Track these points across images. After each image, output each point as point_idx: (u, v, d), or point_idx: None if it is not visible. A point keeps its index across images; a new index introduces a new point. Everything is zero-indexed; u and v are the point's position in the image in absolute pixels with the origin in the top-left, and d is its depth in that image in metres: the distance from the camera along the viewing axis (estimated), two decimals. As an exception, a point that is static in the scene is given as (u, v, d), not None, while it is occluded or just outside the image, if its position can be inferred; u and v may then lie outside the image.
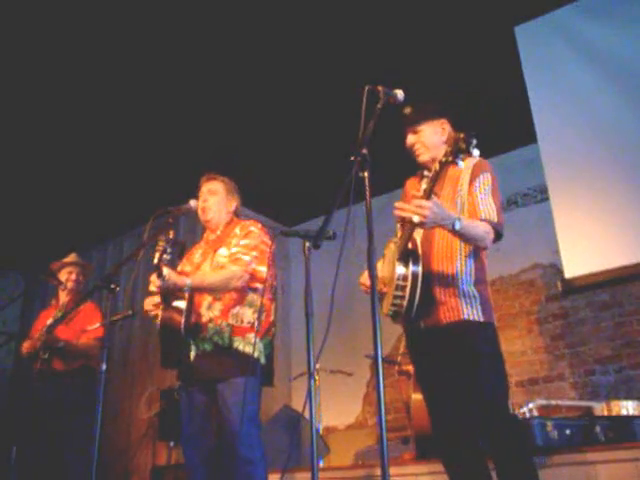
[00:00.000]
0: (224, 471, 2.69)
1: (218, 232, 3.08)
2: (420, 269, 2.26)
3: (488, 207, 2.35)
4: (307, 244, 2.30)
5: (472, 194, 2.40)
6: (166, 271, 2.61)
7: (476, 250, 2.39)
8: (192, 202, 3.04)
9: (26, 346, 4.09)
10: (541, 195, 5.08)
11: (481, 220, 2.32)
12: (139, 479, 5.36)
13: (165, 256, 2.60)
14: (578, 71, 4.02)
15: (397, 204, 2.16)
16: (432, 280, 2.35)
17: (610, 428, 3.01)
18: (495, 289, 5.32)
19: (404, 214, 2.13)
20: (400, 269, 2.26)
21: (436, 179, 2.18)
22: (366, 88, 2.08)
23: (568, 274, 4.01)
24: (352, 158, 1.97)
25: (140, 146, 5.30)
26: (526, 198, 5.33)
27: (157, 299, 2.80)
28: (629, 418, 3.09)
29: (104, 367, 2.62)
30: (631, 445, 2.75)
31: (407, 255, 2.28)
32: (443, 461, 2.39)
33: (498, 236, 2.36)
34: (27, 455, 3.92)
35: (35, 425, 3.97)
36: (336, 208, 1.94)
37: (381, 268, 2.49)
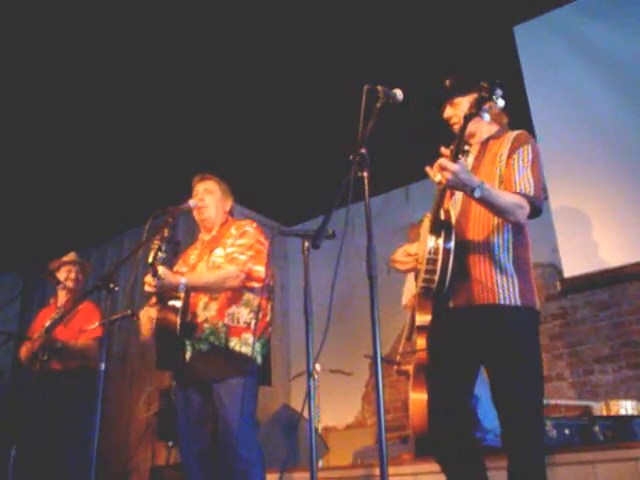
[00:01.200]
0: (221, 471, 2.69)
1: (213, 232, 3.08)
2: (453, 241, 2.13)
3: (525, 180, 2.22)
4: (306, 244, 2.30)
5: (510, 167, 2.28)
6: (161, 270, 2.60)
7: (515, 224, 2.24)
8: (191, 202, 3.05)
9: (23, 352, 4.08)
10: (540, 194, 5.08)
11: (515, 193, 2.19)
12: (138, 479, 5.36)
13: (160, 254, 2.59)
14: (577, 70, 4.02)
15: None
16: (466, 254, 2.21)
17: (609, 428, 3.01)
18: (494, 289, 5.32)
19: (430, 174, 2.08)
20: (431, 242, 2.12)
21: (462, 136, 2.11)
22: (365, 88, 2.06)
23: (567, 273, 4.01)
24: (351, 158, 1.96)
25: (139, 146, 5.29)
26: (525, 197, 5.32)
27: (153, 312, 2.80)
28: (628, 418, 3.08)
29: (103, 367, 2.62)
30: (630, 445, 2.74)
31: (439, 227, 2.16)
32: (438, 458, 2.25)
33: (537, 211, 2.23)
34: (26, 455, 3.91)
35: (34, 425, 3.96)
36: (335, 208, 1.93)
37: (417, 247, 2.37)
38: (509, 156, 2.31)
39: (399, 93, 2.13)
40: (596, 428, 2.99)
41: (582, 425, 3.04)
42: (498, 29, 4.20)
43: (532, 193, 2.21)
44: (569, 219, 3.97)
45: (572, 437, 2.97)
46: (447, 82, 2.49)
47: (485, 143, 2.44)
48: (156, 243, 2.59)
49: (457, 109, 2.46)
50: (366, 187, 1.94)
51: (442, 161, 2.03)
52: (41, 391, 3.93)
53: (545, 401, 3.94)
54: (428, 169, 2.16)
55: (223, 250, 2.92)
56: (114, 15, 3.94)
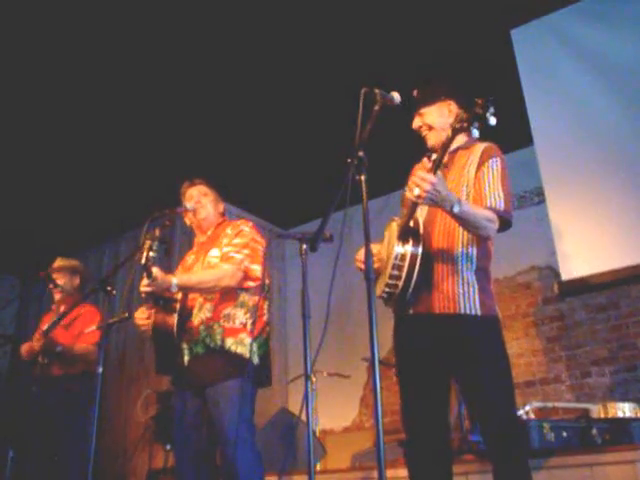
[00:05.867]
0: (216, 475, 2.67)
1: (209, 233, 3.08)
2: (420, 249, 2.14)
3: (495, 194, 2.22)
4: (304, 246, 2.29)
5: (479, 180, 2.27)
6: (155, 270, 2.59)
7: (485, 238, 2.25)
8: (188, 204, 3.05)
9: (25, 349, 4.06)
10: (537, 197, 5.10)
11: (486, 208, 2.19)
12: (135, 482, 5.35)
13: (151, 254, 2.57)
14: (574, 74, 4.03)
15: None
16: (430, 262, 2.21)
17: (607, 430, 3.01)
18: (492, 291, 5.33)
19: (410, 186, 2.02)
20: (399, 248, 2.14)
21: (446, 148, 2.09)
22: (363, 90, 2.07)
23: (564, 276, 4.01)
24: (349, 161, 1.96)
25: (136, 148, 5.29)
26: (522, 200, 5.34)
27: (146, 313, 2.79)
28: (625, 420, 3.09)
29: (100, 370, 2.61)
30: (628, 447, 2.74)
31: (407, 234, 2.17)
32: (412, 465, 2.22)
33: (506, 225, 2.24)
34: (24, 458, 3.90)
35: (33, 428, 3.95)
36: (333, 211, 1.94)
37: (379, 249, 2.38)
38: (478, 168, 2.30)
39: (396, 96, 2.13)
40: (594, 431, 2.99)
41: (580, 428, 3.04)
42: (496, 32, 4.21)
43: (502, 207, 2.21)
44: (566, 222, 3.97)
45: (570, 440, 2.97)
46: (415, 92, 2.49)
47: (454, 153, 2.42)
48: (147, 243, 2.58)
49: (424, 118, 2.47)
50: (364, 190, 1.95)
51: (422, 173, 2.00)
52: (41, 395, 3.91)
53: (543, 404, 3.96)
54: (408, 192, 2.10)
55: (219, 250, 2.91)
56: (112, 19, 3.94)
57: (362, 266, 2.35)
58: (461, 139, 2.42)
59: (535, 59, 4.20)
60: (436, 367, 2.22)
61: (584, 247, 3.87)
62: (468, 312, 2.17)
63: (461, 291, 2.19)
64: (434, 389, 2.23)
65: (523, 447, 2.18)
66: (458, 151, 2.42)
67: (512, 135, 4.83)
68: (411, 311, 2.25)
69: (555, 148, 4.08)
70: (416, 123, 2.50)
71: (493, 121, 1.95)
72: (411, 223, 2.21)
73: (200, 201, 3.08)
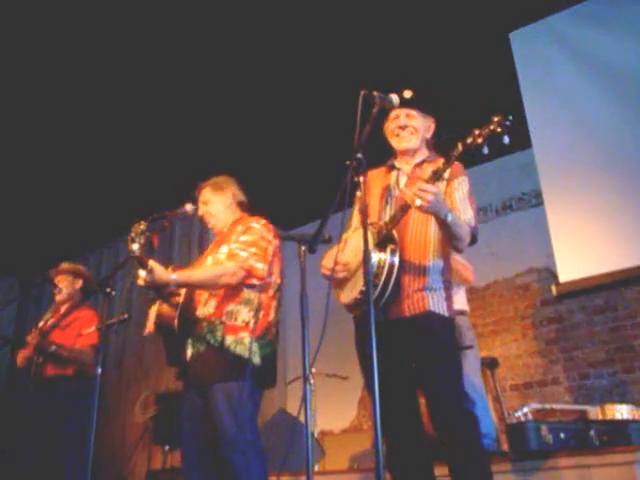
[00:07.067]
0: (219, 475, 2.66)
1: (224, 230, 3.07)
2: (397, 259, 2.20)
3: (467, 212, 2.32)
4: (303, 248, 2.30)
5: (450, 195, 2.34)
6: (152, 263, 2.58)
7: (447, 250, 2.35)
8: (188, 206, 3.03)
9: (20, 358, 4.05)
10: (536, 199, 5.10)
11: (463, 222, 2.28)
12: (134, 483, 5.34)
13: (134, 246, 2.57)
14: (572, 76, 4.05)
15: (402, 190, 2.07)
16: (402, 271, 2.26)
17: (604, 432, 3.01)
18: (490, 293, 5.34)
19: (406, 197, 2.06)
20: (376, 255, 2.19)
21: (452, 162, 2.11)
22: (362, 93, 2.08)
23: (563, 278, 4.03)
24: (348, 163, 1.97)
25: (136, 149, 5.30)
26: (521, 202, 5.35)
27: (163, 309, 2.80)
28: (623, 422, 3.09)
29: (99, 371, 2.61)
30: (625, 449, 2.75)
31: (386, 242, 2.21)
32: (393, 472, 2.25)
33: (474, 241, 2.33)
34: (22, 459, 3.89)
35: (30, 430, 3.94)
36: (332, 212, 1.94)
37: (341, 254, 2.36)
38: (448, 184, 2.36)
39: (395, 98, 2.15)
40: (592, 432, 2.99)
41: (578, 429, 3.04)
42: (494, 35, 4.22)
43: (473, 224, 2.31)
44: (564, 224, 3.98)
45: (568, 441, 2.97)
46: (407, 93, 2.48)
47: (419, 165, 2.48)
48: (132, 235, 2.59)
49: (412, 120, 2.50)
50: (362, 192, 1.95)
51: (424, 185, 2.03)
52: (37, 396, 3.91)
53: (541, 405, 3.97)
54: (407, 196, 2.13)
55: (227, 247, 2.89)
56: (115, 16, 3.95)
57: (328, 272, 2.37)
58: (425, 152, 2.52)
59: (534, 62, 4.22)
60: (405, 370, 2.27)
61: (582, 249, 3.89)
62: (436, 311, 2.26)
63: (429, 295, 2.28)
64: (405, 394, 2.27)
65: (472, 443, 2.15)
66: (423, 164, 2.47)
67: (511, 137, 4.86)
68: (381, 317, 2.26)
69: (554, 151, 4.09)
70: (403, 121, 2.50)
71: (507, 140, 1.99)
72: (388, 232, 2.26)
73: (201, 213, 3.09)
